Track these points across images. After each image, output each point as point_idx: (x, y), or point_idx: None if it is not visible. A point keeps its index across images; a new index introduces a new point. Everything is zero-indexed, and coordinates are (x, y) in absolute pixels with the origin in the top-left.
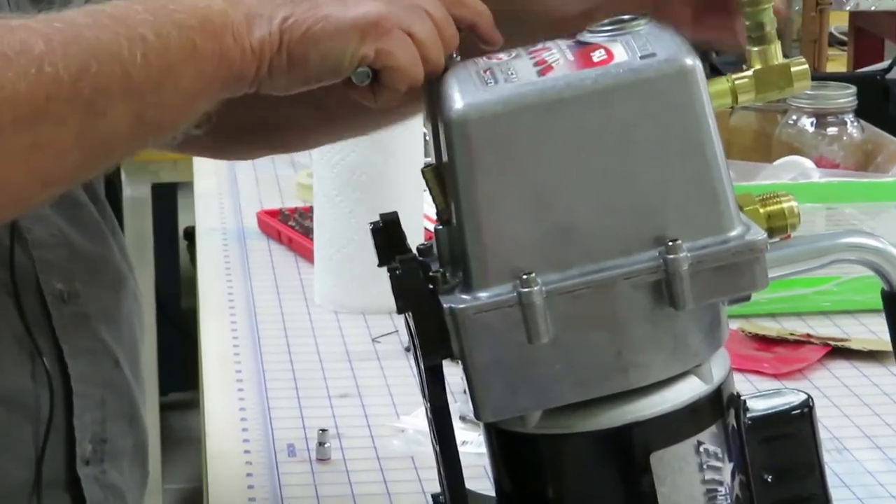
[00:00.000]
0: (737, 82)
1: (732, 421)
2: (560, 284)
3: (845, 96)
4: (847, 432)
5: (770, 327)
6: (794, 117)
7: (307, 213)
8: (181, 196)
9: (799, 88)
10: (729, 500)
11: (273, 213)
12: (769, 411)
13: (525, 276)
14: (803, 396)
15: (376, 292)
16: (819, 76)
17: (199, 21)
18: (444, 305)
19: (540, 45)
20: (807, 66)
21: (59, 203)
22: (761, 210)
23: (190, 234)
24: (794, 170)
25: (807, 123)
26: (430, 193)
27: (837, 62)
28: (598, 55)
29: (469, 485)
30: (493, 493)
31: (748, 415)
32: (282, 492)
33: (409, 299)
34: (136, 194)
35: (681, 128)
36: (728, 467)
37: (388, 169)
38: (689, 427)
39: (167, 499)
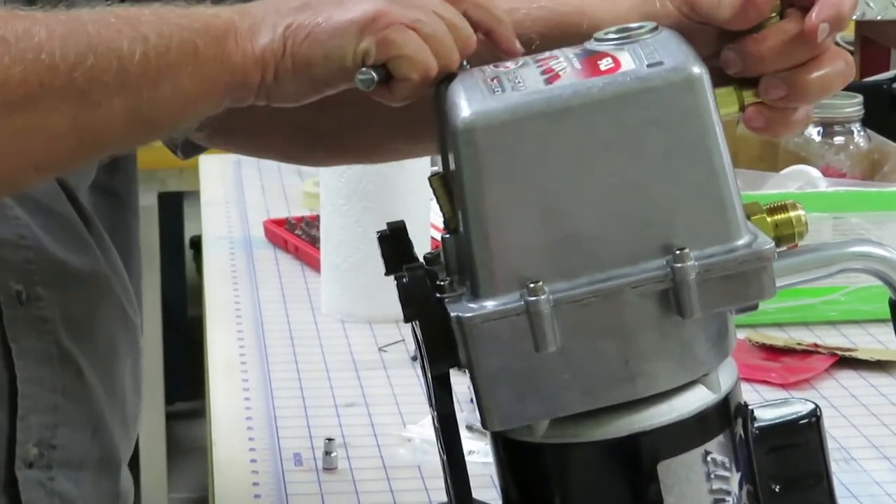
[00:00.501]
0: (744, 91)
1: (740, 430)
2: (568, 293)
3: (852, 105)
4: (855, 442)
5: (777, 337)
6: None
7: (314, 221)
8: (187, 205)
9: None
10: None
11: (280, 222)
12: (777, 421)
13: (532, 285)
14: (811, 406)
15: (383, 301)
16: None
17: (203, 25)
18: (452, 314)
19: (547, 54)
20: None
21: (33, 209)
22: (769, 219)
23: (196, 243)
24: (801, 179)
25: (813, 133)
26: (438, 202)
27: None
28: (605, 63)
29: (476, 494)
30: (499, 503)
31: (756, 424)
32: (288, 501)
33: (417, 308)
34: (142, 203)
35: (688, 136)
36: (736, 477)
37: (395, 178)
38: (697, 436)
39: None
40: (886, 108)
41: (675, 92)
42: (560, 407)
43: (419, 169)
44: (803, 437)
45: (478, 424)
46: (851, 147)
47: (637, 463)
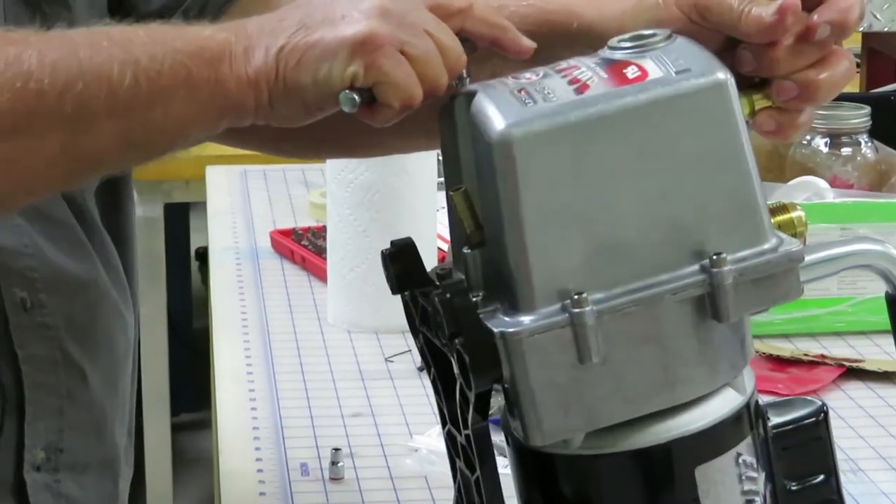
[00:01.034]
0: (754, 94)
1: (761, 431)
2: (609, 303)
3: (859, 117)
4: (862, 453)
5: (784, 348)
6: (808, 137)
7: (320, 232)
8: (194, 216)
9: None
10: None
11: (286, 233)
12: (789, 419)
13: (577, 297)
14: (817, 403)
15: (389, 312)
16: None
17: (198, 48)
18: (495, 330)
19: (565, 64)
20: None
21: (34, 217)
22: (771, 220)
23: (202, 254)
24: (808, 190)
25: (821, 144)
26: (459, 217)
27: (850, 84)
28: (631, 72)
29: None
30: None
31: (770, 424)
32: None
33: (461, 325)
34: (148, 214)
35: (719, 141)
36: (762, 477)
37: (401, 188)
38: (730, 439)
39: None
40: (893, 120)
41: (705, 97)
42: (602, 418)
43: (426, 180)
44: (815, 433)
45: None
46: (859, 158)
47: (675, 469)
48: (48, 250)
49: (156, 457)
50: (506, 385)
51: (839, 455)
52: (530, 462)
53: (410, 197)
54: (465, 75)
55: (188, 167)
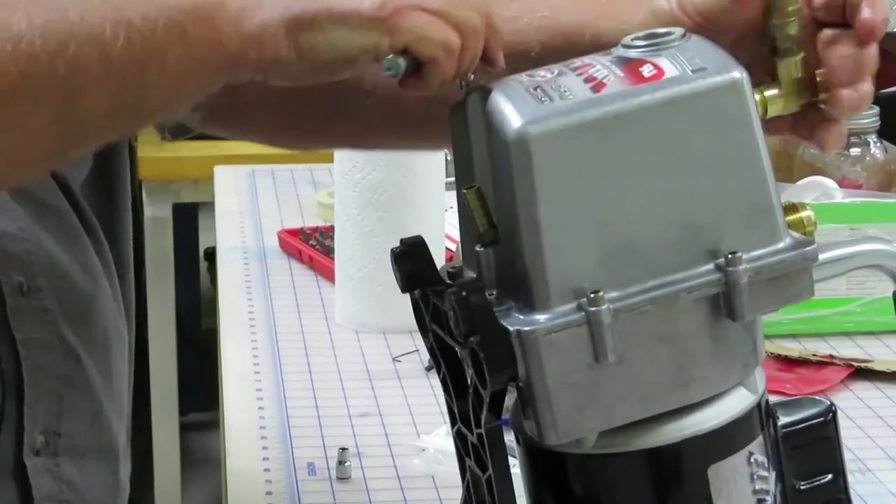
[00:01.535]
0: (766, 94)
1: (772, 430)
2: (625, 302)
3: (868, 117)
4: (870, 454)
5: (792, 348)
6: None
7: (328, 232)
8: (202, 216)
9: None
10: None
11: (294, 233)
12: (797, 418)
13: (593, 295)
14: (826, 403)
15: (397, 311)
16: None
17: (192, 5)
18: (511, 328)
19: (579, 62)
20: None
21: (27, 201)
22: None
23: (210, 254)
24: (817, 190)
25: None
26: (472, 215)
27: None
28: (647, 70)
29: None
30: None
31: (780, 423)
32: None
33: (477, 323)
34: (156, 214)
35: (735, 139)
36: (772, 476)
37: (409, 188)
38: (743, 438)
39: None
40: None
41: (722, 96)
42: (617, 417)
43: (434, 180)
44: (824, 433)
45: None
46: (868, 158)
47: (689, 468)
48: (42, 236)
49: (164, 456)
50: (520, 384)
51: (847, 455)
52: (542, 461)
53: (418, 197)
54: (470, 74)
55: (196, 167)
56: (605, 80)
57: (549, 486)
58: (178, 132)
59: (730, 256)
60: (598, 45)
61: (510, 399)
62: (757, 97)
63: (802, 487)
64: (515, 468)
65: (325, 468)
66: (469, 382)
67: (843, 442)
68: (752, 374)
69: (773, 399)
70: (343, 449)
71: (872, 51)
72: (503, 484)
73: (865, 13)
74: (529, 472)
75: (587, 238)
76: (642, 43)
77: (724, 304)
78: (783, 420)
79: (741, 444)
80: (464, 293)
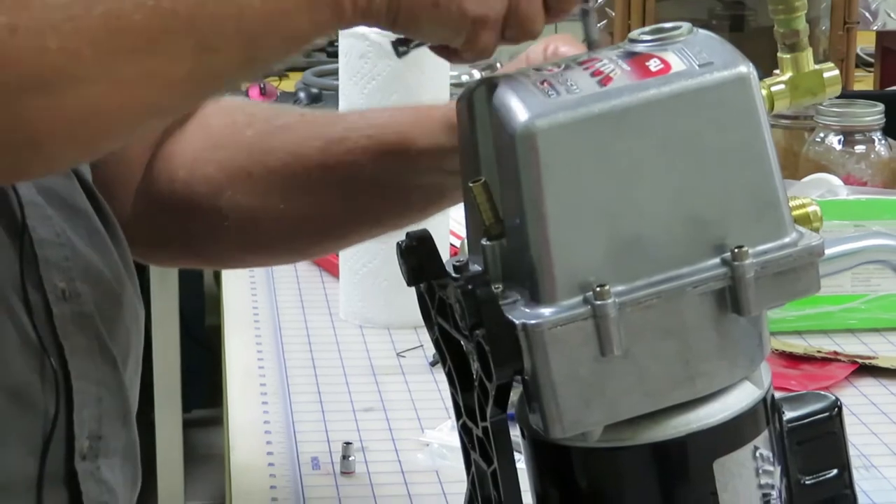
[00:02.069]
0: (773, 88)
1: (777, 425)
2: (631, 296)
3: (873, 114)
4: (875, 450)
5: (797, 344)
6: (822, 135)
7: None
8: None
9: (831, 93)
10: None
11: None
12: (803, 413)
13: (599, 289)
14: (831, 398)
15: (401, 307)
16: (847, 94)
17: None
18: (517, 321)
19: (586, 56)
20: (837, 71)
21: (61, 207)
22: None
23: None
24: (822, 187)
25: (834, 141)
26: (478, 209)
27: (864, 83)
28: (654, 65)
29: None
30: None
31: (785, 418)
32: None
33: (483, 317)
34: None
35: (742, 134)
36: (777, 470)
37: None
38: (748, 432)
39: None
40: None
41: (729, 91)
42: (622, 410)
43: None
44: (829, 428)
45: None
46: (872, 156)
47: (693, 462)
48: (76, 241)
49: (167, 453)
50: (526, 377)
51: (852, 451)
52: (547, 455)
53: None
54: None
55: None
56: (612, 75)
57: (555, 479)
58: None
59: (736, 251)
60: (424, 157)
61: (516, 393)
62: (764, 92)
63: (807, 482)
64: (521, 462)
65: (329, 463)
66: (474, 376)
67: (848, 438)
68: (758, 368)
69: (778, 395)
70: (347, 443)
71: None
72: (508, 477)
73: None
74: (535, 465)
75: (593, 232)
76: (649, 37)
77: (730, 298)
78: (788, 415)
79: (747, 439)
80: (470, 286)
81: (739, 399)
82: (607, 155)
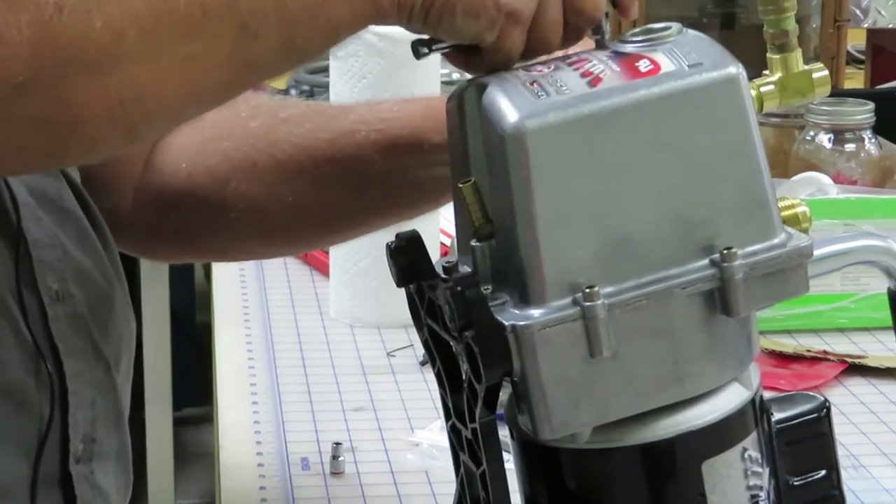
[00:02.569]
0: (762, 89)
1: (766, 426)
2: (620, 297)
3: (863, 113)
4: (864, 449)
5: (787, 344)
6: (812, 133)
7: None
8: None
9: (820, 94)
10: None
11: None
12: (791, 414)
13: (588, 290)
14: (820, 399)
15: (392, 306)
16: (837, 93)
17: None
18: (506, 323)
19: (575, 56)
20: (827, 71)
21: (50, 208)
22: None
23: None
24: (812, 186)
25: (824, 140)
26: (468, 209)
27: (855, 80)
28: (643, 65)
29: None
30: None
31: (773, 419)
32: None
33: (472, 318)
34: None
35: (731, 135)
36: (766, 472)
37: None
38: (737, 434)
39: None
40: None
41: (718, 91)
42: (611, 412)
43: None
44: (818, 429)
45: None
46: (862, 154)
47: (682, 463)
48: (66, 242)
49: (158, 451)
50: (515, 378)
51: (841, 451)
52: (536, 456)
53: None
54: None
55: None
56: (601, 75)
57: (544, 480)
58: None
59: (725, 252)
60: (436, 152)
61: (505, 394)
62: (753, 92)
63: (796, 483)
64: (510, 463)
65: (318, 463)
66: (464, 377)
67: (837, 438)
68: (747, 369)
69: (767, 395)
70: (337, 444)
71: None
72: (497, 479)
73: None
74: (524, 466)
75: (583, 233)
76: (639, 38)
77: (719, 299)
78: (777, 416)
79: (735, 440)
80: (459, 287)
81: (728, 400)
82: (597, 156)
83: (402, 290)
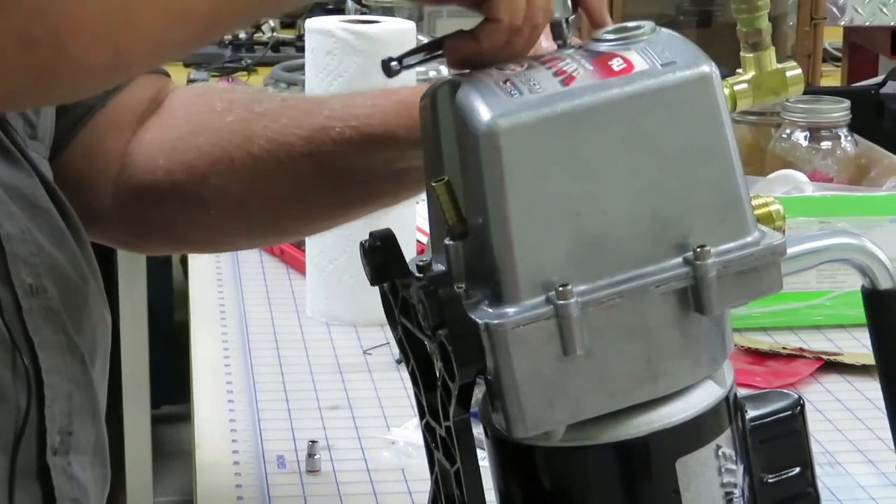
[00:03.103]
0: (735, 88)
1: (740, 423)
2: (593, 295)
3: (839, 111)
4: (839, 446)
5: (763, 341)
6: (788, 131)
7: None
8: None
9: (793, 92)
10: (743, 502)
11: None
12: (765, 412)
13: (561, 288)
14: (794, 396)
15: (368, 304)
16: (813, 90)
17: None
18: (480, 321)
19: (549, 55)
20: (800, 70)
21: (22, 203)
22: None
23: None
24: (788, 184)
25: (801, 137)
26: (441, 208)
27: (831, 78)
28: (617, 64)
29: None
30: None
31: (748, 417)
32: (271, 503)
33: (446, 316)
34: None
35: (704, 133)
36: (740, 469)
37: None
38: (711, 431)
39: None
40: (873, 114)
41: (691, 90)
42: (585, 410)
43: None
44: (792, 426)
45: None
46: (839, 152)
47: (657, 461)
48: (40, 238)
49: (136, 448)
50: (489, 377)
51: (817, 448)
52: (510, 454)
53: None
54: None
55: None
56: (574, 74)
57: (518, 478)
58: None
59: (698, 250)
60: (412, 147)
61: (479, 392)
62: (726, 91)
63: (770, 481)
64: (484, 461)
65: (294, 461)
66: (438, 375)
67: (813, 435)
68: (721, 367)
69: (742, 392)
70: (313, 442)
71: None
72: (471, 477)
73: None
74: (498, 465)
75: (556, 231)
76: (612, 37)
77: (692, 297)
78: (751, 413)
79: (709, 438)
80: (432, 286)
81: (702, 398)
82: (570, 154)
83: (378, 290)
